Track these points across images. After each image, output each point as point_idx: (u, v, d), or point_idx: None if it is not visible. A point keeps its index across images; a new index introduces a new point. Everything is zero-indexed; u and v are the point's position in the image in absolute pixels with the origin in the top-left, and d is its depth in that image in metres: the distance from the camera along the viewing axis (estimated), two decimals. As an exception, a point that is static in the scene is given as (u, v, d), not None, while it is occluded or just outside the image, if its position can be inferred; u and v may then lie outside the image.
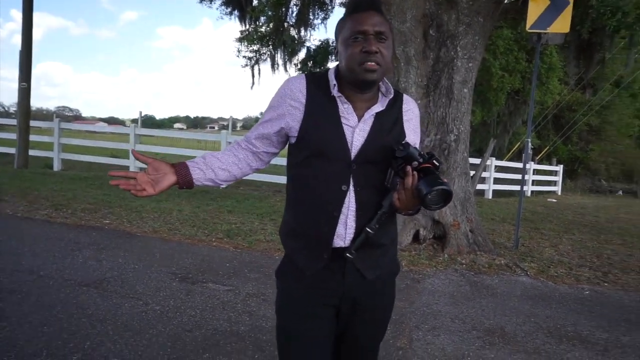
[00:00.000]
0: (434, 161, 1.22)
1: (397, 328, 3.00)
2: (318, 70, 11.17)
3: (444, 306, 3.49)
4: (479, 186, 11.16)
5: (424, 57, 5.11)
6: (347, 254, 1.26)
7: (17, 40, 10.33)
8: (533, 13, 4.91)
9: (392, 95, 1.33)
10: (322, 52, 10.53)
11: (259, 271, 3.95)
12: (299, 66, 11.05)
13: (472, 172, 6.77)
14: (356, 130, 1.27)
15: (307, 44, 10.88)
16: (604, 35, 5.30)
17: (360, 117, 1.28)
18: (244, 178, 1.37)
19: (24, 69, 10.02)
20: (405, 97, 1.39)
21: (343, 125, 1.27)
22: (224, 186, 1.35)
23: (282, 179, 8.77)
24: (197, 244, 4.69)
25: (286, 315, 1.36)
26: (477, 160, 9.47)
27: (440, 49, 5.07)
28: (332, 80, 1.28)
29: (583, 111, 16.69)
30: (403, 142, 1.24)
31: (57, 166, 10.03)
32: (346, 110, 1.28)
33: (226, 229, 5.24)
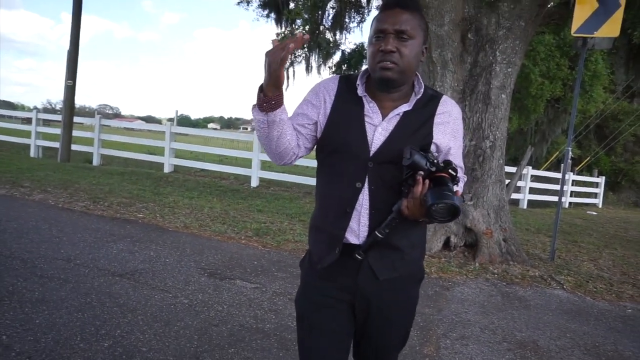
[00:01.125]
0: (450, 170, 1.18)
1: (424, 335, 2.94)
2: (352, 72, 11.15)
3: (474, 315, 3.39)
4: (514, 195, 10.82)
5: (461, 62, 5.01)
6: (356, 255, 1.27)
7: (66, 41, 10.84)
8: (580, 16, 4.72)
9: (420, 95, 1.29)
10: (357, 55, 10.51)
11: (286, 271, 3.96)
12: (333, 69, 11.06)
13: (507, 181, 6.57)
14: (378, 128, 1.26)
15: (342, 47, 10.89)
16: (656, 41, 5.03)
17: (385, 116, 1.27)
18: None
19: (71, 67, 10.49)
20: (444, 98, 1.34)
21: (366, 123, 1.27)
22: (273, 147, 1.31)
23: (312, 181, 8.77)
24: (226, 240, 4.75)
25: (302, 304, 1.39)
26: (512, 169, 9.19)
27: (479, 54, 4.95)
28: (359, 80, 1.30)
29: (630, 121, 15.91)
30: (410, 149, 1.19)
31: (96, 161, 10.43)
32: (371, 109, 1.28)
33: (255, 228, 5.29)
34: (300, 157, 1.39)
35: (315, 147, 1.38)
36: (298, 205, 7.23)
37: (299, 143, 1.34)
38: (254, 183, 9.01)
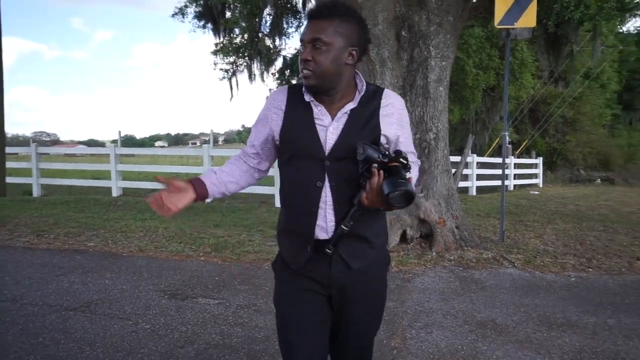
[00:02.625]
0: (401, 159, 1.26)
1: (390, 328, 3.01)
2: (296, 78, 11.22)
3: (435, 303, 3.52)
4: (463, 183, 11.31)
5: (398, 58, 5.19)
6: (326, 249, 1.35)
7: (-12, 66, 10.12)
8: (500, 9, 5.04)
9: (363, 92, 1.39)
10: (298, 60, 10.59)
11: (249, 282, 3.93)
12: (276, 75, 11.10)
13: (454, 170, 6.87)
14: (329, 129, 1.35)
15: (283, 52, 10.95)
16: (570, 28, 5.47)
17: (333, 117, 1.36)
18: None
19: (-3, 95, 9.82)
20: (385, 92, 1.44)
21: (317, 125, 1.36)
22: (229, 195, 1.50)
23: (268, 190, 8.74)
24: (184, 259, 4.64)
25: (281, 302, 1.47)
26: (458, 158, 9.60)
27: (414, 50, 5.16)
28: (305, 87, 1.38)
29: (557, 104, 17.11)
30: (362, 144, 1.27)
31: (36, 192, 9.83)
32: (320, 112, 1.37)
33: (213, 243, 5.20)
34: (264, 175, 1.57)
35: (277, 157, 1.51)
36: (255, 215, 7.18)
37: (257, 174, 1.53)
38: (208, 198, 8.82)
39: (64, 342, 2.73)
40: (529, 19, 4.91)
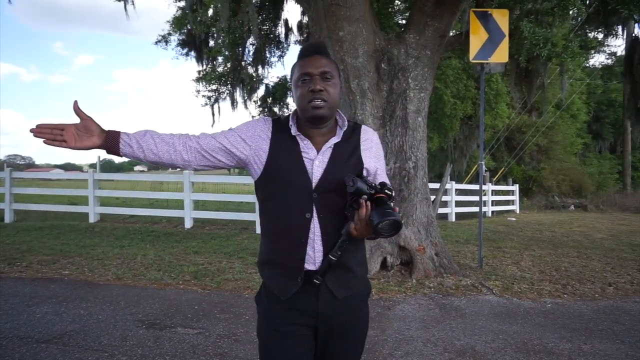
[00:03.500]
0: (386, 191, 1.33)
1: (370, 356, 3.01)
2: (277, 105, 11.37)
3: (416, 331, 3.53)
4: (442, 210, 11.48)
5: (378, 90, 5.35)
6: (314, 280, 1.38)
7: (-36, 89, 9.98)
8: (475, 45, 5.30)
9: (346, 127, 1.47)
10: (281, 88, 10.77)
11: (229, 311, 3.88)
12: (258, 103, 11.23)
13: (433, 197, 7.01)
14: (315, 162, 1.41)
15: (266, 81, 11.12)
16: (540, 63, 5.76)
17: (319, 150, 1.42)
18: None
19: (-28, 118, 9.64)
20: (363, 127, 1.52)
21: (304, 159, 1.41)
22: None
23: (248, 216, 8.71)
24: (163, 288, 4.56)
25: (266, 335, 1.46)
26: (436, 185, 9.79)
27: (393, 81, 5.34)
28: (291, 121, 1.44)
29: (531, 133, 17.71)
30: (352, 178, 1.33)
31: (9, 218, 9.54)
32: (306, 146, 1.42)
33: (193, 271, 5.13)
34: (198, 167, 1.46)
35: (254, 185, 1.49)
36: (235, 242, 7.12)
37: (189, 156, 1.42)
38: (188, 224, 8.74)
39: (36, 376, 2.64)
40: (501, 55, 5.17)
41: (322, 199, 1.38)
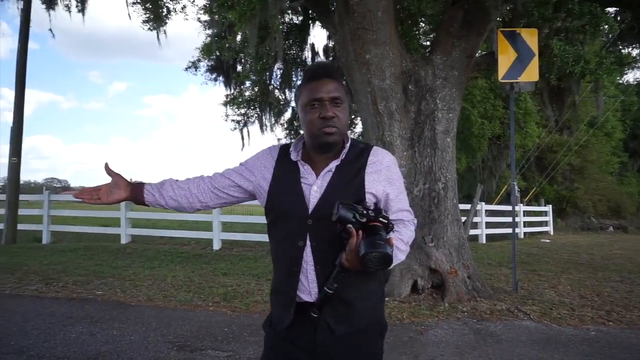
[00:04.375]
0: (381, 219, 1.23)
1: (404, 384, 2.92)
2: (288, 142, 11.48)
3: (451, 357, 3.41)
4: (473, 231, 11.21)
5: (406, 111, 5.35)
6: (312, 313, 1.31)
7: (7, 117, 10.58)
8: (503, 65, 5.25)
9: (347, 149, 1.40)
10: (308, 111, 10.88)
11: (259, 334, 3.85)
12: (285, 126, 11.38)
13: (463, 219, 6.85)
14: (313, 187, 1.36)
15: (292, 104, 11.29)
16: (572, 81, 5.64)
17: (318, 175, 1.37)
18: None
19: (15, 144, 10.15)
20: (374, 149, 1.44)
21: (302, 184, 1.37)
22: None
23: (276, 237, 8.72)
24: (193, 309, 4.58)
25: None
26: (467, 206, 9.59)
27: (421, 103, 5.32)
28: (294, 147, 1.43)
29: (563, 152, 17.23)
30: (338, 204, 1.24)
31: (46, 239, 9.88)
32: (306, 171, 1.39)
33: (222, 292, 5.15)
34: (217, 205, 1.56)
35: (265, 215, 1.49)
36: (263, 264, 7.13)
37: (206, 198, 1.49)
38: (217, 246, 8.82)
39: (71, 396, 2.67)
40: (531, 74, 5.10)
41: (318, 227, 1.31)
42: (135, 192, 1.45)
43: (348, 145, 1.40)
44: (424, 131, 5.29)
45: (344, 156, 1.38)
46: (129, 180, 1.46)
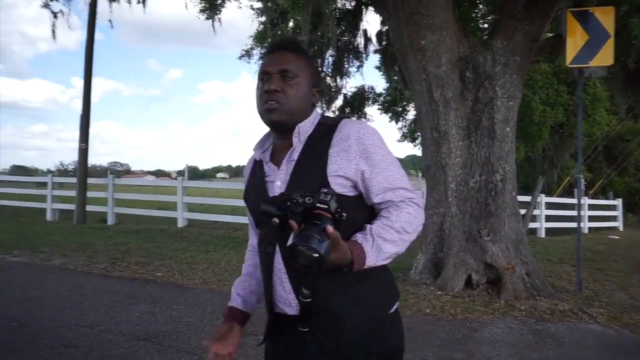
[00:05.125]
0: (318, 204, 1.01)
1: (458, 382, 2.84)
2: (355, 115, 11.39)
3: (507, 358, 3.28)
4: (531, 224, 10.67)
5: (463, 99, 5.13)
6: (300, 327, 1.11)
7: (76, 104, 11.32)
8: (572, 48, 4.87)
9: (309, 131, 1.17)
10: (359, 98, 10.79)
11: (309, 322, 3.90)
12: (336, 113, 11.33)
13: (522, 211, 6.52)
14: (276, 183, 1.16)
15: (344, 91, 11.20)
16: (653, 64, 5.15)
17: (279, 168, 1.17)
18: None
19: (83, 130, 10.86)
20: (342, 122, 1.17)
21: (267, 183, 1.19)
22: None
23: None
24: (246, 294, 4.71)
25: None
26: (524, 198, 9.13)
27: (479, 90, 5.08)
28: (259, 143, 1.25)
29: (637, 141, 15.89)
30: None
31: (111, 220, 10.56)
32: (269, 168, 1.20)
33: (273, 279, 5.25)
34: None
35: None
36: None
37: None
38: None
39: (135, 372, 2.84)
40: (604, 57, 4.69)
41: (288, 229, 1.02)
42: (240, 318, 1.33)
43: (308, 123, 1.17)
44: (481, 120, 5.05)
45: (302, 138, 1.15)
46: (224, 324, 1.32)
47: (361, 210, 1.15)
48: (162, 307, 4.18)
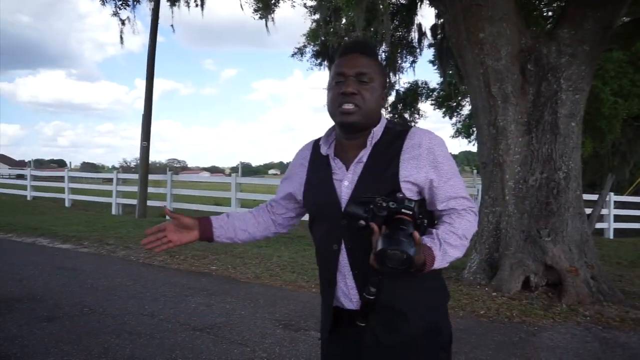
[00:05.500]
0: (404, 210, 1.07)
1: (515, 390, 2.72)
2: (408, 111, 11.19)
3: (569, 366, 3.09)
4: (598, 224, 9.97)
5: (523, 93, 4.87)
6: (358, 322, 1.19)
7: (139, 104, 12.01)
8: (650, 34, 4.47)
9: (380, 135, 1.23)
10: (412, 94, 10.57)
11: (359, 320, 3.89)
12: (389, 109, 11.19)
13: (587, 211, 6.11)
14: (344, 182, 1.21)
15: (397, 87, 11.03)
16: None
17: (348, 168, 1.22)
18: None
19: (145, 129, 11.48)
20: (412, 130, 1.24)
21: (334, 181, 1.23)
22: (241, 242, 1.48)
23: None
24: (297, 290, 4.79)
25: None
26: (589, 196, 8.53)
27: (541, 83, 4.81)
28: (323, 139, 1.31)
29: None
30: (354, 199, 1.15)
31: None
32: (336, 165, 1.25)
33: (324, 275, 5.29)
34: (288, 228, 1.48)
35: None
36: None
37: (275, 228, 1.44)
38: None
39: (192, 361, 2.98)
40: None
41: (354, 227, 1.12)
42: (205, 230, 1.35)
43: (379, 128, 1.23)
44: (543, 115, 4.78)
45: (373, 142, 1.21)
46: (192, 218, 1.36)
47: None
48: (217, 300, 4.34)
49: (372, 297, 1.14)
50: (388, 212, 1.07)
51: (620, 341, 3.58)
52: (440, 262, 1.13)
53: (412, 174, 1.17)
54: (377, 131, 1.23)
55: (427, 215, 1.18)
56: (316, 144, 1.34)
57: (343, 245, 1.20)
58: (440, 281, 1.29)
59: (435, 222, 1.24)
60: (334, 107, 1.21)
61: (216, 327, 3.61)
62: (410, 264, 1.01)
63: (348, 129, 1.23)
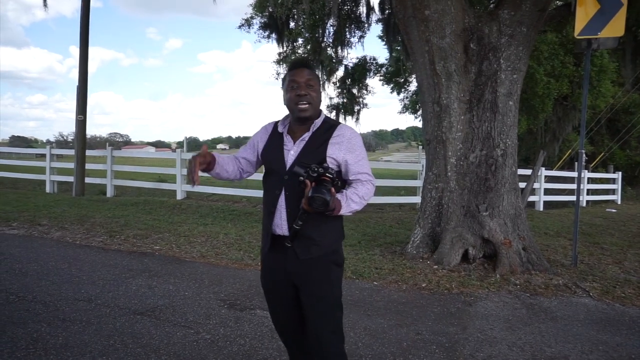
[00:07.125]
0: (327, 174, 1.69)
1: (450, 356, 2.88)
2: (356, 86, 11.19)
3: (500, 332, 3.31)
4: (530, 198, 10.66)
5: (466, 72, 5.00)
6: (286, 243, 1.81)
7: (74, 74, 11.09)
8: (582, 18, 4.70)
9: (320, 124, 1.87)
10: (360, 69, 10.56)
11: (306, 296, 3.92)
12: (337, 84, 11.14)
13: (521, 185, 6.48)
14: (290, 152, 1.86)
15: (345, 62, 10.97)
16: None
17: (295, 143, 1.87)
18: None
19: (81, 102, 10.69)
20: (340, 126, 1.90)
21: (284, 150, 1.88)
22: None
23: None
24: (243, 268, 4.75)
25: (262, 284, 2.02)
26: (524, 171, 9.07)
27: (483, 63, 4.94)
28: (282, 122, 1.96)
29: (641, 113, 15.68)
30: (297, 164, 1.76)
31: (110, 192, 10.56)
32: (287, 140, 1.90)
33: (271, 252, 5.27)
34: (246, 176, 2.10)
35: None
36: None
37: (241, 169, 2.05)
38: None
39: (132, 346, 2.87)
40: (615, 28, 4.53)
41: (290, 181, 1.77)
42: (213, 165, 1.87)
43: (319, 120, 1.88)
44: (484, 94, 4.94)
45: (315, 129, 1.85)
46: (209, 155, 1.85)
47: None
48: (159, 281, 4.20)
49: (298, 228, 1.75)
50: (317, 174, 1.68)
51: (543, 306, 3.88)
52: (345, 210, 1.78)
53: (335, 153, 1.83)
54: (318, 122, 1.88)
55: (342, 181, 1.84)
56: (275, 124, 1.97)
57: (283, 192, 1.82)
58: (341, 223, 1.95)
59: (346, 187, 1.87)
60: (293, 105, 1.83)
61: (158, 309, 3.51)
62: (326, 206, 1.63)
63: (303, 121, 1.87)
